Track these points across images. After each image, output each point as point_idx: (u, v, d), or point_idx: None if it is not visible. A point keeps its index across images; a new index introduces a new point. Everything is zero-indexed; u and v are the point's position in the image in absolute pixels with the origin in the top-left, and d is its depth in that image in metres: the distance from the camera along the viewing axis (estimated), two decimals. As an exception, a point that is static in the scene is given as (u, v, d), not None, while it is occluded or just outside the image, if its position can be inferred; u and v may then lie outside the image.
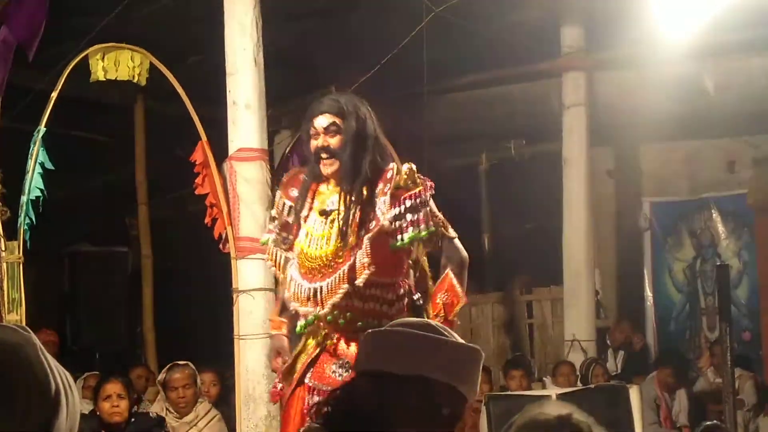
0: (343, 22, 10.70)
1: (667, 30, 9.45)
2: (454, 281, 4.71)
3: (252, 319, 6.97)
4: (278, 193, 5.09)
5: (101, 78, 7.13)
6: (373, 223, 4.66)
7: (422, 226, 4.57)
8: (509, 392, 8.72)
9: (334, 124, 4.78)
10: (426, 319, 2.66)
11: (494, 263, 13.67)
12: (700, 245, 13.02)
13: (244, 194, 7.03)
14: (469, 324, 13.26)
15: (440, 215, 4.81)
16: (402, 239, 4.57)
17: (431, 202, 4.69)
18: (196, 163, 7.18)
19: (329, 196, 4.87)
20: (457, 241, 4.83)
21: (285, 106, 11.92)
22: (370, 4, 10.30)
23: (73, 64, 6.93)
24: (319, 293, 4.73)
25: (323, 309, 4.72)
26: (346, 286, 4.65)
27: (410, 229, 4.57)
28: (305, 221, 4.89)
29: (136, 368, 9.93)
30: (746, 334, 12.54)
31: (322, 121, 4.81)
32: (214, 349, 9.36)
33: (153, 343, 11.72)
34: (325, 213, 4.83)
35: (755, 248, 12.60)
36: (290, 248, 4.93)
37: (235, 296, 7.01)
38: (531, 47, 11.20)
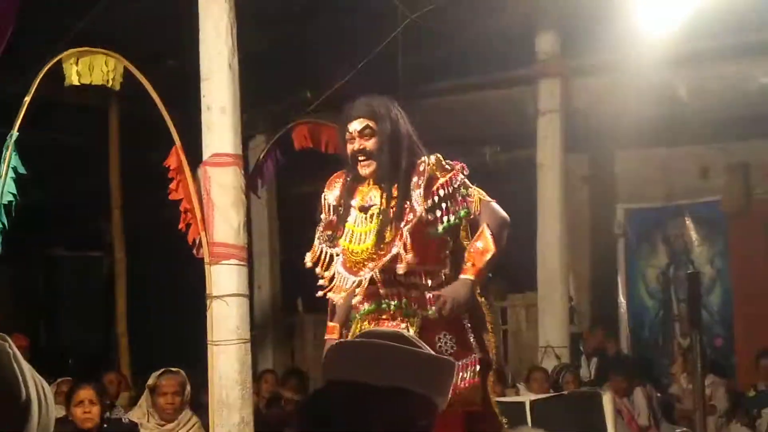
0: (319, 27, 10.69)
1: (643, 37, 9.49)
2: (487, 233, 4.93)
3: (226, 325, 6.94)
4: (323, 195, 5.38)
5: (75, 82, 7.09)
6: (411, 215, 4.95)
7: (451, 216, 4.95)
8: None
9: (367, 127, 5.07)
10: (398, 330, 2.65)
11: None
12: (674, 252, 13.07)
13: (219, 199, 7.01)
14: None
15: (474, 187, 5.10)
16: (438, 229, 4.94)
17: (465, 181, 5.04)
18: (170, 167, 7.16)
19: (368, 193, 5.15)
20: (494, 204, 5.09)
21: (260, 110, 11.92)
22: (346, 9, 10.29)
23: (46, 68, 6.89)
24: (362, 285, 5.03)
25: (367, 303, 5.06)
26: (394, 277, 4.97)
27: (445, 217, 4.94)
28: (347, 219, 5.17)
29: (108, 374, 9.90)
30: (719, 340, 12.59)
31: (356, 125, 5.10)
32: (187, 355, 9.33)
33: (126, 347, 11.67)
34: (364, 209, 5.11)
35: (728, 255, 12.66)
36: (335, 245, 5.20)
37: (208, 302, 6.99)
38: (506, 53, 11.22)
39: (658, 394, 11.08)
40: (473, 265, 4.90)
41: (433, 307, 4.91)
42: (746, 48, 10.82)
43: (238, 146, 7.17)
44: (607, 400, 7.49)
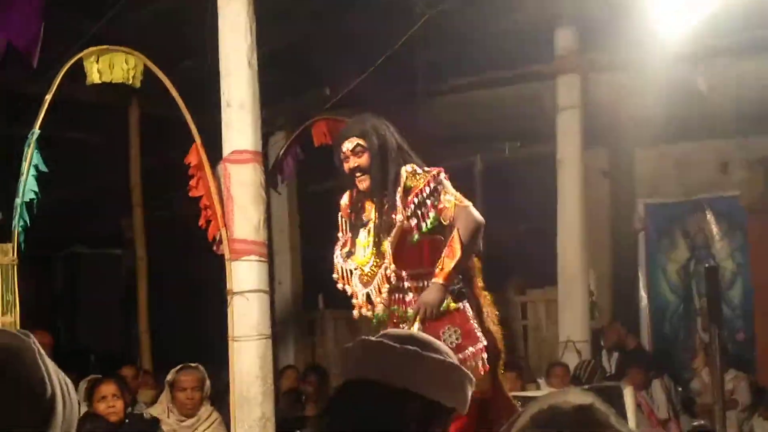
0: (338, 23, 10.70)
1: (661, 32, 9.47)
2: (456, 239, 5.19)
3: (246, 321, 6.96)
4: (339, 214, 5.72)
5: (96, 81, 7.13)
6: (396, 225, 5.31)
7: (422, 223, 5.27)
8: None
9: (358, 145, 5.43)
10: (430, 338, 2.65)
11: (489, 265, 13.66)
12: (694, 246, 13.05)
13: (239, 196, 7.03)
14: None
15: (451, 193, 5.35)
16: (414, 236, 5.28)
17: (443, 184, 5.34)
18: (191, 165, 7.18)
19: (368, 208, 5.51)
20: (470, 209, 5.32)
21: (280, 107, 11.94)
22: (365, 5, 10.30)
23: (66, 67, 6.92)
24: (370, 296, 5.41)
25: (376, 310, 5.40)
26: (386, 286, 5.31)
27: (422, 223, 5.28)
28: (357, 234, 5.52)
29: (124, 368, 9.91)
30: (740, 334, 12.58)
31: (347, 145, 5.46)
32: (209, 351, 9.36)
33: (148, 344, 11.71)
34: (364, 224, 5.47)
35: (748, 249, 12.63)
36: (352, 261, 5.54)
37: (229, 298, 7.01)
38: (525, 49, 11.21)
39: (679, 389, 11.07)
40: (442, 269, 5.18)
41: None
42: (765, 43, 10.79)
43: (258, 143, 7.20)
44: (628, 393, 7.48)
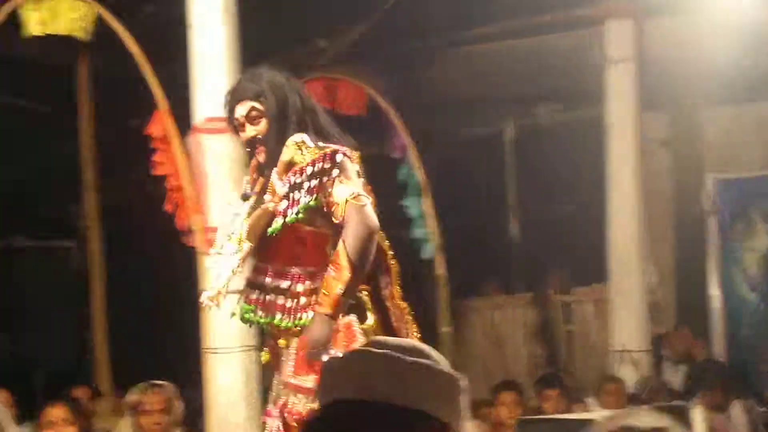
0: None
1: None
2: (343, 256, 4.87)
3: (226, 330, 6.94)
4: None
5: (37, 32, 7.12)
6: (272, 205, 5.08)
7: (293, 209, 4.93)
8: (543, 416, 8.72)
9: (253, 109, 5.17)
10: (414, 343, 2.62)
11: (523, 256, 13.70)
12: (777, 231, 13.05)
13: (214, 174, 7.02)
14: (493, 331, 13.27)
15: (352, 182, 5.00)
16: (274, 225, 4.99)
17: (344, 169, 4.96)
18: (154, 137, 7.17)
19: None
20: (364, 210, 4.95)
21: (265, 64, 11.92)
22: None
23: (1, 16, 6.91)
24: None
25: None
26: (240, 279, 5.28)
27: (290, 210, 4.94)
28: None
29: (77, 388, 9.93)
30: None
31: (240, 110, 5.20)
32: (180, 366, 9.37)
33: (106, 357, 11.71)
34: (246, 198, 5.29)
35: None
36: None
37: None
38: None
39: (762, 409, 11.06)
40: (327, 295, 4.91)
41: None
42: None
43: (239, 108, 7.18)
44: (698, 414, 7.47)
